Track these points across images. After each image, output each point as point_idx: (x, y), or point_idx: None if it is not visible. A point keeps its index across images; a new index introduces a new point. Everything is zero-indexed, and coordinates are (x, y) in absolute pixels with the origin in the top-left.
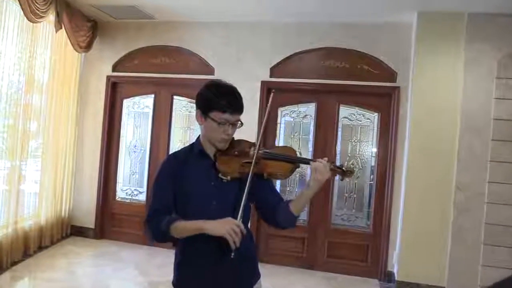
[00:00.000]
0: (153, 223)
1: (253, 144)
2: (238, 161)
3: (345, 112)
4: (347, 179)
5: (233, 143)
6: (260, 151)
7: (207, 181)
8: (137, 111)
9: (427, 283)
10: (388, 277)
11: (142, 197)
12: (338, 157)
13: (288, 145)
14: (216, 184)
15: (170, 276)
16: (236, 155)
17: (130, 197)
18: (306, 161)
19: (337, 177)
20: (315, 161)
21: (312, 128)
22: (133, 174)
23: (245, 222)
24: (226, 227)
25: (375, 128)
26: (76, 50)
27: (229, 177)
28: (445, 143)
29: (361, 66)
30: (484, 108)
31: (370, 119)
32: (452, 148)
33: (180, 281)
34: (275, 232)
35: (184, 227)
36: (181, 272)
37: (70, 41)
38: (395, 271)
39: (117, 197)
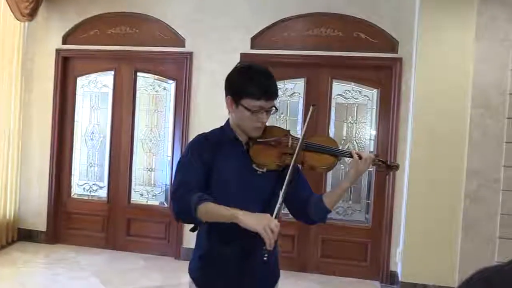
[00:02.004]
0: (180, 196)
1: (288, 132)
2: (276, 152)
3: (339, 88)
4: (390, 174)
5: (266, 130)
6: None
7: (240, 172)
8: (94, 91)
9: (435, 284)
10: (391, 278)
11: (103, 193)
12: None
13: (324, 134)
14: (250, 175)
15: (135, 284)
16: (272, 145)
17: (88, 193)
18: (348, 154)
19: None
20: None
21: (301, 107)
22: (91, 166)
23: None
24: (263, 223)
25: (374, 107)
26: (18, 19)
27: (265, 169)
28: (455, 122)
29: (357, 34)
30: (498, 81)
31: (368, 96)
32: (463, 129)
33: (200, 275)
34: None
35: (217, 210)
36: (203, 265)
37: (10, 7)
38: (398, 271)
39: (72, 194)
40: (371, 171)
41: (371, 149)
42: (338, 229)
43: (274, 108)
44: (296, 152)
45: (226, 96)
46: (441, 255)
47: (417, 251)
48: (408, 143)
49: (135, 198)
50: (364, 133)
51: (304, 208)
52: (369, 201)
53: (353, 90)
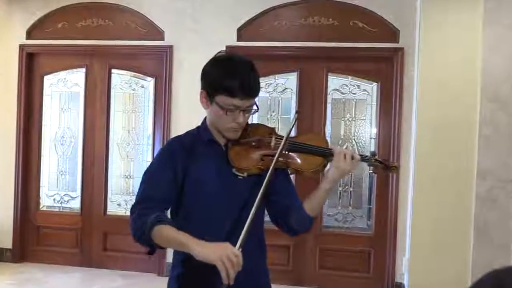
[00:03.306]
0: (139, 212)
1: (272, 131)
2: (258, 153)
3: (336, 82)
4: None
5: (248, 129)
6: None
7: (219, 174)
8: (64, 90)
9: None
10: None
11: (76, 204)
12: (328, 140)
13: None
14: (228, 180)
15: None
16: (254, 146)
17: (59, 204)
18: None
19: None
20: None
21: (293, 104)
22: (62, 174)
23: (258, 228)
24: (219, 254)
25: (374, 102)
26: None
27: (245, 174)
28: (463, 117)
29: (354, 23)
30: (510, 71)
31: (367, 91)
32: (472, 124)
33: None
34: None
35: (170, 235)
36: (181, 285)
37: None
38: (405, 282)
39: (41, 206)
40: (371, 172)
41: (372, 149)
42: (337, 238)
43: (254, 107)
44: (276, 154)
45: (201, 90)
46: (452, 264)
47: (425, 260)
48: (412, 141)
49: (112, 208)
50: (363, 131)
51: (286, 217)
52: (371, 206)
53: (351, 84)
